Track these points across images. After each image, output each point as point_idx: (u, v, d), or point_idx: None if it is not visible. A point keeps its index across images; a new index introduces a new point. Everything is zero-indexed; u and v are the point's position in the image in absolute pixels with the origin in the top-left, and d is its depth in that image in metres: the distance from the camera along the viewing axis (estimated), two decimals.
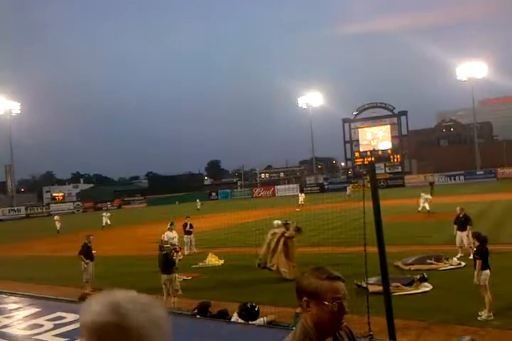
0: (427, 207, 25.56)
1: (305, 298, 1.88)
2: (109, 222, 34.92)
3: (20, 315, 5.66)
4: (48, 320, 5.17)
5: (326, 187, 68.33)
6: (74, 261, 14.30)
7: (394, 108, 70.91)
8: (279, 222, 14.56)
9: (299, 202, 40.98)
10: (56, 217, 35.95)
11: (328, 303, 1.83)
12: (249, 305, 6.96)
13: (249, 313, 6.80)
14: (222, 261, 16.04)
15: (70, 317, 5.25)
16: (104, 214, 36.55)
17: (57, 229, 33.96)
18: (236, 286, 12.30)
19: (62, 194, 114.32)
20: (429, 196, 26.50)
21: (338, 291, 1.85)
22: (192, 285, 12.41)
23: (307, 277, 1.91)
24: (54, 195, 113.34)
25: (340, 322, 1.89)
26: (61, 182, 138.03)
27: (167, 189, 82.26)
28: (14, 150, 69.08)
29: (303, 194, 45.10)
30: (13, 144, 69.02)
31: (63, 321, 5.10)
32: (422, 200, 25.97)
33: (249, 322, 6.21)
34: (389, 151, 70.55)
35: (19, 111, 68.16)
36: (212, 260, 16.19)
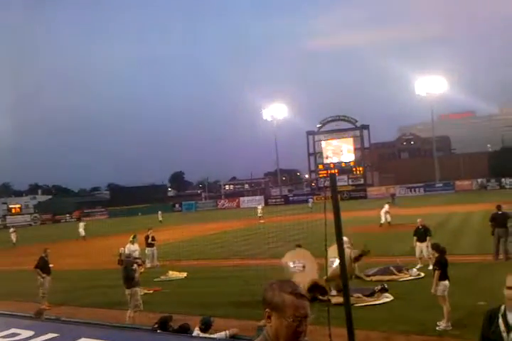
0: (388, 219, 25.96)
1: (267, 310, 1.87)
2: (83, 232, 34.09)
3: None
4: (1, 337, 4.98)
5: (290, 198, 68.76)
6: (30, 275, 13.81)
7: (356, 121, 72.41)
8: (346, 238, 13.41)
9: (258, 214, 40.95)
10: (12, 230, 34.86)
11: (287, 319, 1.82)
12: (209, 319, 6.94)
13: (206, 326, 6.79)
14: (184, 274, 15.84)
15: (24, 333, 5.05)
16: (80, 224, 35.64)
17: (13, 241, 32.86)
18: (199, 299, 12.14)
19: (19, 206, 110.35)
20: (387, 207, 26.67)
21: (299, 309, 1.84)
22: (154, 299, 12.18)
23: (273, 289, 1.89)
24: (10, 206, 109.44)
25: (298, 339, 1.85)
26: (18, 194, 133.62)
27: (129, 200, 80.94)
28: None
29: (260, 206, 44.91)
30: None
31: (17, 338, 4.88)
32: (382, 212, 26.29)
33: (211, 336, 6.13)
34: (351, 163, 71.78)
35: None
36: (175, 273, 15.97)
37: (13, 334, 5.06)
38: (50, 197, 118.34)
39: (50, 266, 13.34)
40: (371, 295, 10.64)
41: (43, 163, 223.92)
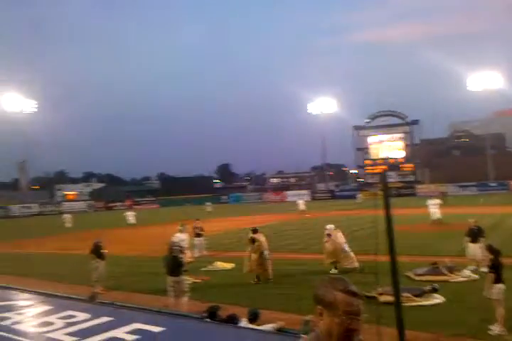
0: (438, 215, 25.20)
1: (319, 307, 1.89)
2: (133, 220, 35.35)
3: (31, 312, 5.70)
4: (59, 318, 5.19)
5: (336, 193, 68.10)
6: (85, 259, 14.38)
7: (406, 117, 70.60)
8: (332, 226, 15.12)
9: (300, 208, 40.64)
10: (66, 215, 36.31)
11: (339, 316, 1.83)
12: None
13: (255, 317, 6.89)
14: (232, 265, 16.03)
15: (81, 316, 5.27)
16: (128, 213, 36.92)
17: (68, 226, 34.28)
18: (245, 291, 12.28)
19: (74, 192, 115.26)
20: (436, 201, 26.06)
21: (351, 306, 1.84)
22: (201, 288, 12.41)
23: (325, 286, 1.91)
24: (66, 193, 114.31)
25: (351, 338, 1.86)
26: (73, 181, 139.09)
27: (178, 190, 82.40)
28: (29, 147, 69.98)
29: (302, 200, 44.47)
30: (27, 142, 69.93)
31: (74, 320, 5.12)
32: (430, 208, 25.63)
33: (259, 328, 6.20)
34: (400, 160, 70.15)
35: (35, 109, 69.00)
36: (222, 264, 16.20)
37: (70, 316, 5.32)
38: (103, 185, 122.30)
39: (104, 251, 13.83)
40: (420, 295, 10.40)
41: (98, 152, 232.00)
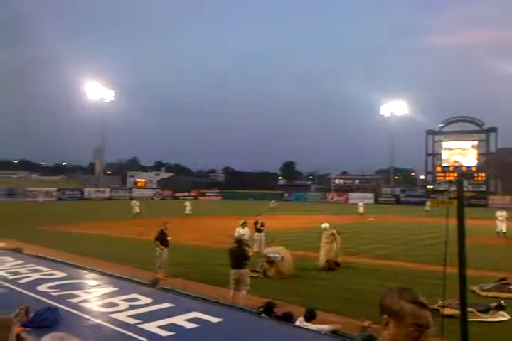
0: (504, 229, 24.49)
1: (385, 316, 1.85)
2: (189, 211, 36.45)
3: (98, 292, 6.00)
4: (123, 300, 5.44)
5: (402, 199, 66.21)
6: (150, 245, 14.91)
7: (483, 123, 67.27)
8: (327, 225, 16.31)
9: (360, 211, 40.00)
10: (134, 202, 37.56)
11: (407, 327, 1.78)
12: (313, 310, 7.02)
13: (311, 315, 6.88)
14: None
15: (144, 300, 5.49)
16: (187, 203, 38.03)
17: (136, 212, 35.51)
18: (302, 289, 12.25)
19: (144, 180, 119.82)
20: (503, 213, 25.18)
21: (420, 318, 1.78)
22: (258, 284, 12.50)
23: (392, 296, 1.86)
24: (137, 180, 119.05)
25: None
26: (144, 169, 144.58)
27: (242, 185, 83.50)
28: (105, 135, 73.42)
29: (362, 203, 43.93)
30: (104, 129, 73.39)
31: (137, 303, 5.34)
32: (497, 221, 25.05)
33: (314, 328, 6.17)
34: (473, 169, 66.95)
35: (113, 99, 72.26)
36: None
37: (134, 299, 5.54)
38: (171, 174, 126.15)
39: (169, 239, 14.25)
40: (486, 311, 9.92)
41: (169, 143, 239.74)
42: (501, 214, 25.13)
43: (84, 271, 7.38)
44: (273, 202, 50.66)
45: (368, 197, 65.54)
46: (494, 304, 10.21)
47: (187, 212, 36.68)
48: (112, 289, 6.08)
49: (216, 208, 49.03)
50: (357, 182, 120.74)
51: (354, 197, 67.17)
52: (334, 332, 6.38)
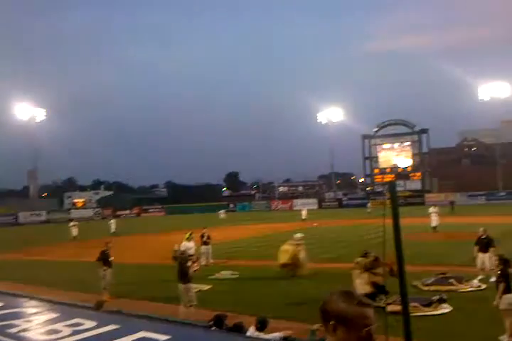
0: (435, 223, 26.04)
1: (332, 322, 1.80)
2: (114, 229, 35.34)
3: (39, 319, 5.70)
4: (66, 325, 5.19)
5: (344, 202, 67.91)
6: (92, 266, 14.42)
7: (415, 125, 70.62)
8: (299, 235, 15.87)
9: (303, 217, 40.68)
10: (72, 223, 35.86)
11: (357, 330, 1.77)
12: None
13: (262, 325, 6.89)
14: (237, 275, 16.00)
15: (88, 323, 5.28)
16: (111, 221, 36.90)
17: (74, 235, 34.04)
18: (251, 299, 12.25)
19: (83, 200, 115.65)
20: (435, 209, 26.72)
21: (368, 318, 1.79)
22: (208, 297, 12.39)
23: (335, 300, 1.82)
24: (75, 200, 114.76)
25: None
26: (82, 189, 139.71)
27: (186, 199, 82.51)
28: (38, 155, 70.52)
29: (305, 208, 44.65)
30: (36, 150, 70.46)
31: (81, 328, 5.11)
32: (431, 216, 26.43)
33: (265, 337, 6.17)
34: (409, 169, 69.91)
35: (44, 118, 69.55)
36: (228, 272, 16.18)
37: (77, 324, 5.30)
38: (111, 192, 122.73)
39: (111, 259, 13.85)
40: (429, 305, 10.33)
41: (106, 160, 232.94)
42: (434, 209, 26.61)
43: (23, 299, 6.99)
44: (222, 211, 50.34)
45: (312, 203, 66.64)
46: (436, 297, 10.64)
47: (112, 230, 35.22)
48: (53, 315, 5.77)
49: (160, 224, 48.13)
50: (300, 188, 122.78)
51: (298, 204, 68.01)
52: (285, 339, 6.42)
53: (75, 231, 34.16)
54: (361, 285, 10.67)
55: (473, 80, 68.12)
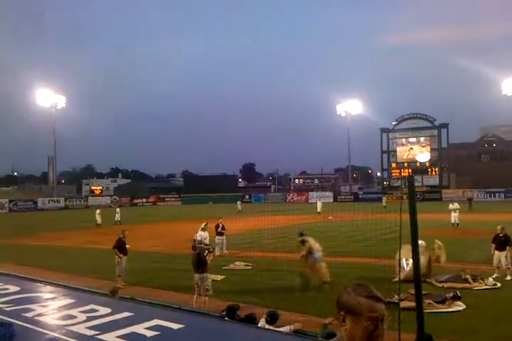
0: (456, 220, 25.81)
1: (342, 313, 1.88)
2: (119, 218, 35.45)
3: (55, 304, 5.80)
4: (81, 311, 5.27)
5: (360, 196, 67.52)
6: (108, 254, 14.59)
7: (434, 120, 69.52)
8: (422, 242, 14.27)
9: (318, 210, 40.51)
10: (98, 211, 36.01)
11: (363, 321, 1.81)
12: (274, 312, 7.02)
13: (272, 318, 6.88)
14: (251, 266, 16.05)
15: (102, 310, 5.35)
16: (117, 210, 37.11)
17: (98, 222, 34.26)
18: (264, 291, 12.27)
19: (100, 187, 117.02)
20: (456, 205, 26.45)
21: (376, 311, 1.83)
22: (221, 287, 12.47)
23: (348, 292, 1.90)
24: (92, 188, 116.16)
25: None
26: (100, 176, 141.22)
27: (201, 188, 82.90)
28: (58, 142, 71.26)
29: (320, 202, 44.38)
30: (56, 137, 71.26)
31: (95, 314, 5.18)
32: (452, 213, 26.32)
33: (277, 329, 6.19)
34: (427, 164, 69.03)
35: (64, 105, 70.23)
36: (242, 263, 16.25)
37: (92, 310, 5.36)
38: (128, 181, 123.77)
39: (127, 246, 14.00)
40: (442, 302, 10.25)
41: (125, 149, 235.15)
42: (453, 206, 26.28)
43: (40, 284, 7.10)
44: (239, 202, 50.40)
45: (327, 196, 66.43)
46: (450, 294, 10.56)
47: (116, 218, 35.31)
48: (68, 301, 5.87)
49: (175, 213, 48.47)
50: (316, 181, 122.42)
51: (314, 197, 67.84)
52: (296, 332, 6.42)
53: (99, 219, 34.42)
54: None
55: (497, 75, 66.84)
